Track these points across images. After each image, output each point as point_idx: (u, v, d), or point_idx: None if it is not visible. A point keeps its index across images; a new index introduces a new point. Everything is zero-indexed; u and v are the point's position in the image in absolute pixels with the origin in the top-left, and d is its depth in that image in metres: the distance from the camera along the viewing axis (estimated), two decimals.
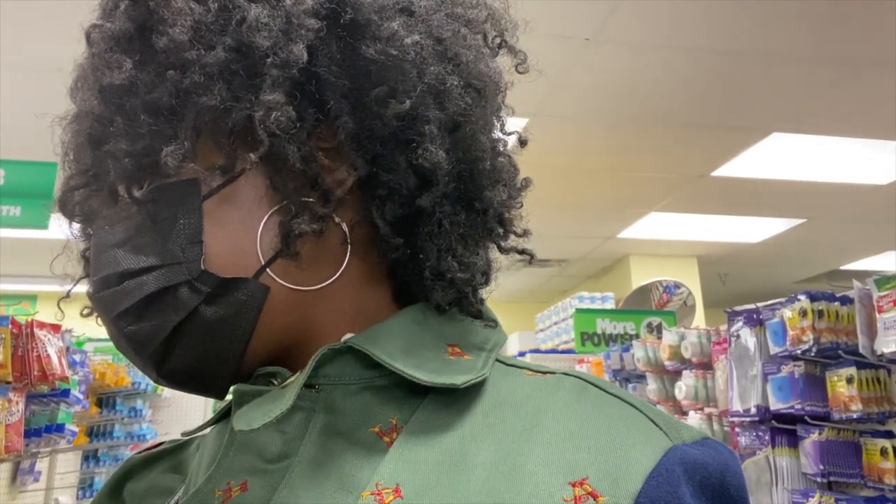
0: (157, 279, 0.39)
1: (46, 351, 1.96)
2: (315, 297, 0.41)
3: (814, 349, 1.86)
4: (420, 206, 0.41)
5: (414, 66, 0.40)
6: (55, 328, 2.08)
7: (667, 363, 2.53)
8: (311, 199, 0.40)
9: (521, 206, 0.48)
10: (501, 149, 0.47)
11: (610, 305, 4.33)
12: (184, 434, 0.50)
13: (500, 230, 0.46)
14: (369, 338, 0.40)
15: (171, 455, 0.50)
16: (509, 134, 0.48)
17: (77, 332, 2.51)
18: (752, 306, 2.15)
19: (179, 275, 0.39)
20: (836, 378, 1.89)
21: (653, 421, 0.35)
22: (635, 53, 2.78)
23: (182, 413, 4.13)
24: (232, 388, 0.42)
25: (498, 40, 0.48)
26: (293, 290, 0.40)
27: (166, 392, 3.95)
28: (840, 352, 1.81)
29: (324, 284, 0.42)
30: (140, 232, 0.40)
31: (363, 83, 0.39)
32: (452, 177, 0.42)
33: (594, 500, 0.31)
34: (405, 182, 0.41)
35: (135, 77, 0.39)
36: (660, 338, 3.65)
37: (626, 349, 2.93)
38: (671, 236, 5.26)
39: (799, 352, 1.90)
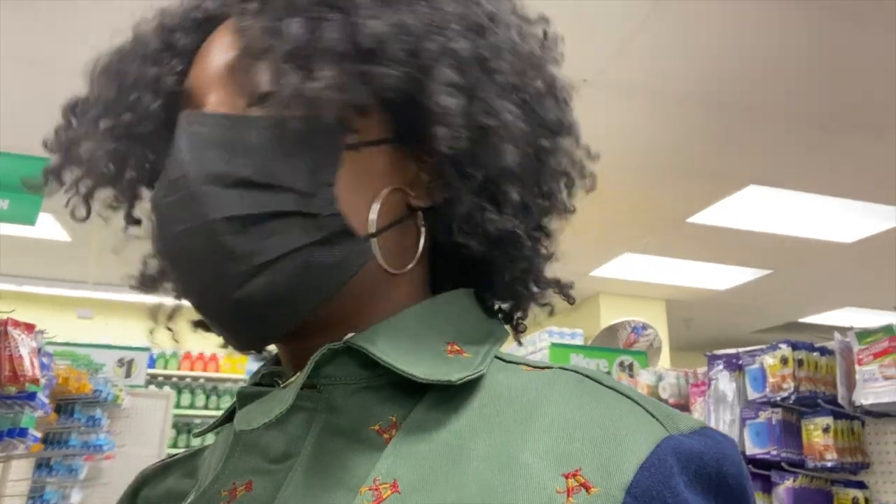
0: (285, 201, 0.38)
1: (19, 351, 1.89)
2: (388, 279, 0.43)
3: (793, 397, 1.91)
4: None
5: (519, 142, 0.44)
6: (29, 328, 2.01)
7: None
8: (434, 190, 0.43)
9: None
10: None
11: (579, 341, 4.37)
12: (195, 434, 0.57)
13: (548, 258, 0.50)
14: (368, 337, 0.40)
15: (185, 462, 0.50)
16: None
17: (50, 333, 2.42)
18: (732, 351, 2.20)
19: (307, 205, 0.39)
20: (812, 426, 1.94)
21: (649, 412, 0.35)
22: (622, 98, 2.86)
23: (140, 424, 3.99)
24: (237, 391, 0.43)
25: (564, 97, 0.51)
26: (378, 267, 0.42)
27: (126, 402, 3.82)
28: (820, 401, 1.86)
29: (406, 269, 0.43)
30: (275, 147, 0.39)
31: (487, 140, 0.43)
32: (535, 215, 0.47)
33: (586, 491, 0.32)
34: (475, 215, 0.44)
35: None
36: (632, 376, 3.69)
37: None
38: (642, 278, 5.36)
39: (779, 398, 1.94)
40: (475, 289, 0.47)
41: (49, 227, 4.35)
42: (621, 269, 5.18)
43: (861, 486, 1.87)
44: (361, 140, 0.41)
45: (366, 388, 0.40)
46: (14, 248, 4.77)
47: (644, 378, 2.58)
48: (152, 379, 5.85)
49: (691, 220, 4.11)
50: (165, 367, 6.10)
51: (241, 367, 6.26)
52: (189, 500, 0.41)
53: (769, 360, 1.98)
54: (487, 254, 0.45)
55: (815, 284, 5.39)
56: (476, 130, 0.41)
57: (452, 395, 0.38)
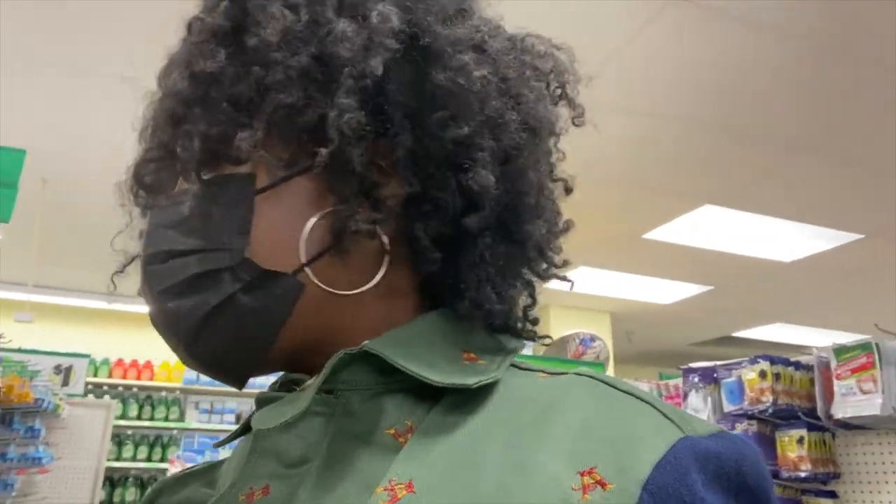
0: (201, 262, 0.42)
1: None
2: (346, 302, 0.44)
3: (770, 409, 1.99)
4: (465, 227, 0.43)
5: (477, 98, 0.43)
6: None
7: None
8: (362, 207, 0.43)
9: (560, 248, 0.52)
10: (546, 190, 0.50)
11: (530, 352, 4.43)
12: (215, 444, 0.53)
13: (539, 260, 0.50)
14: (385, 342, 0.41)
15: (204, 473, 0.51)
16: (556, 181, 0.52)
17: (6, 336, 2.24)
18: (708, 364, 2.27)
19: (223, 260, 0.42)
20: (787, 438, 2.02)
21: (665, 414, 0.36)
22: (587, 112, 2.93)
23: (78, 435, 3.74)
24: (255, 397, 0.44)
25: (559, 91, 0.52)
26: (326, 292, 0.43)
27: (65, 412, 3.57)
28: (800, 414, 1.95)
29: (357, 291, 0.44)
30: (194, 215, 0.43)
31: (427, 106, 0.43)
32: (498, 205, 0.44)
33: (602, 487, 0.32)
34: (452, 201, 0.43)
35: (224, 68, 0.42)
36: None
37: None
38: (590, 290, 5.49)
39: (757, 411, 2.02)
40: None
41: None
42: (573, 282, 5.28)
43: (832, 495, 1.97)
44: (271, 181, 0.42)
45: (381, 394, 0.41)
46: None
47: None
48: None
49: (646, 236, 4.25)
50: (96, 375, 5.73)
51: (177, 375, 5.96)
52: None
53: (749, 374, 2.05)
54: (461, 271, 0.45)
55: (752, 301, 5.67)
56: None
57: (468, 400, 0.39)
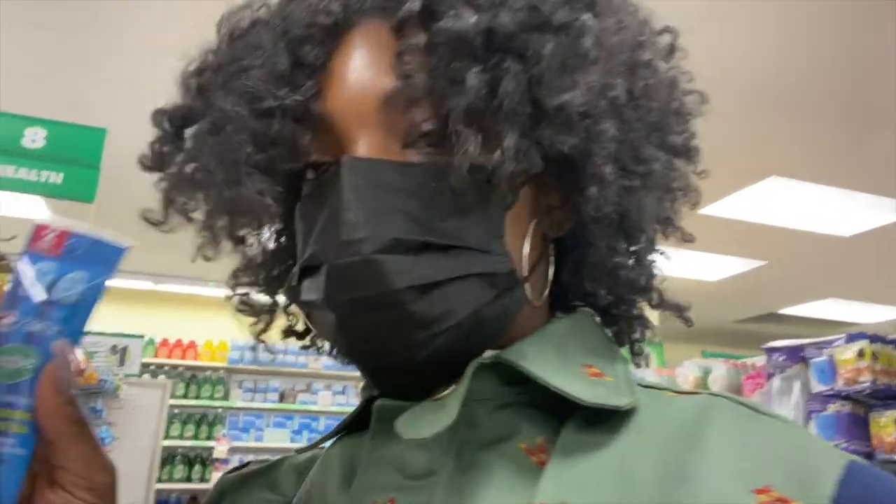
0: (465, 263, 0.39)
1: None
2: (526, 313, 0.43)
3: (868, 389, 1.91)
4: (596, 230, 0.44)
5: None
6: None
7: None
8: (565, 214, 0.44)
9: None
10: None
11: None
12: (297, 452, 0.50)
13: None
14: (518, 353, 0.40)
15: (263, 475, 0.50)
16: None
17: None
18: (794, 343, 2.19)
19: (484, 264, 0.39)
20: (882, 419, 1.94)
21: (814, 437, 0.36)
22: None
23: (136, 415, 3.79)
24: (376, 406, 0.42)
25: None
26: (527, 303, 0.42)
27: (123, 393, 3.61)
28: None
29: (542, 300, 0.44)
30: (450, 202, 0.39)
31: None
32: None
33: None
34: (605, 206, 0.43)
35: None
36: (646, 366, 3.67)
37: None
38: None
39: (853, 391, 1.94)
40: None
41: (36, 207, 4.06)
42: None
43: None
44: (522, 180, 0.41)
45: (507, 406, 0.40)
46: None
47: (689, 370, 2.56)
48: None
49: (703, 211, 4.13)
50: (142, 356, 5.81)
51: (221, 355, 6.02)
52: None
53: (844, 354, 1.97)
54: (604, 283, 0.46)
55: (806, 276, 5.52)
56: (624, 190, 0.42)
57: (603, 419, 0.38)
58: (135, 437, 3.79)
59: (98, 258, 0.39)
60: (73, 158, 1.85)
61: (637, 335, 0.50)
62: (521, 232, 0.42)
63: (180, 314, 6.08)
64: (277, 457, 0.53)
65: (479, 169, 0.38)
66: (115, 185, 3.62)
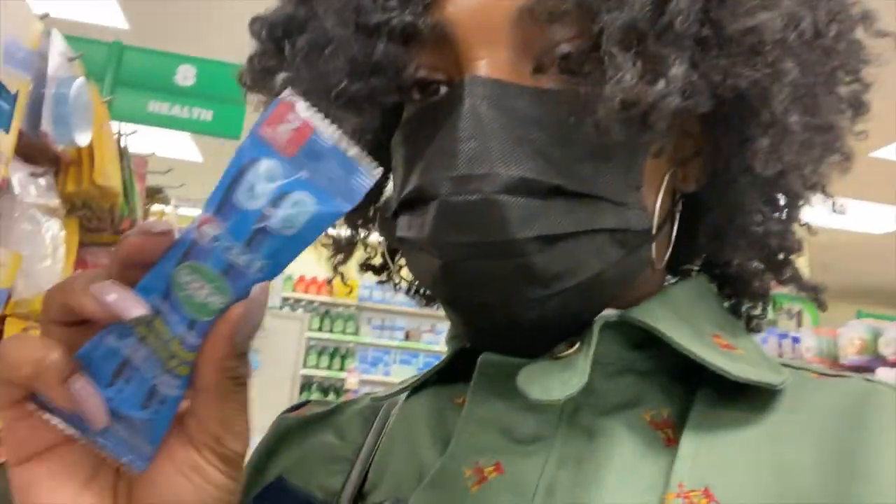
0: (599, 215, 0.34)
1: None
2: (645, 274, 0.39)
3: None
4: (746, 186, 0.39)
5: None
6: None
7: (851, 357, 2.30)
8: (695, 164, 0.40)
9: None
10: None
11: None
12: (373, 399, 0.48)
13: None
14: (648, 315, 0.36)
15: (326, 419, 0.48)
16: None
17: None
18: None
19: (619, 219, 0.35)
20: None
21: None
22: None
23: (277, 345, 4.08)
24: (480, 360, 0.38)
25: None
26: (648, 265, 0.38)
27: (267, 324, 3.87)
28: None
29: (664, 262, 0.40)
30: (588, 141, 0.34)
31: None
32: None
33: None
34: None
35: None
36: (799, 326, 3.37)
37: (784, 336, 2.69)
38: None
39: None
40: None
41: (185, 146, 4.37)
42: None
43: None
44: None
45: (628, 372, 0.37)
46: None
47: (853, 332, 2.30)
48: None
49: (876, 154, 3.65)
50: (282, 290, 6.23)
51: (352, 293, 6.30)
52: (429, 476, 0.37)
53: None
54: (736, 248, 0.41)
55: None
56: (796, 144, 0.36)
57: (738, 396, 0.35)
58: (277, 364, 4.09)
59: (337, 179, 0.29)
60: (222, 95, 1.91)
61: (758, 311, 0.44)
62: (655, 184, 0.37)
63: (316, 252, 6.40)
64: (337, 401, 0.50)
65: (634, 103, 0.32)
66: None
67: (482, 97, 0.33)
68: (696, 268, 0.45)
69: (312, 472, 0.44)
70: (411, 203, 0.36)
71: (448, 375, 0.43)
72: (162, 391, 0.29)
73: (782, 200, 0.41)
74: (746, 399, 0.35)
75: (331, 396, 5.89)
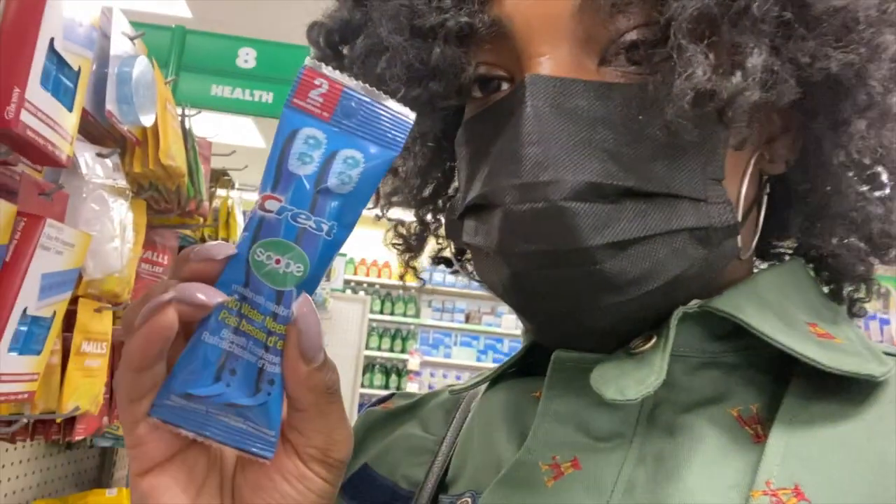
0: (676, 215, 0.32)
1: None
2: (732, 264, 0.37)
3: None
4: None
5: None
6: None
7: None
8: (782, 146, 0.38)
9: None
10: None
11: None
12: (451, 391, 0.48)
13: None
14: (731, 304, 0.34)
15: (410, 411, 0.49)
16: None
17: None
18: None
19: (699, 216, 0.33)
20: None
21: None
22: None
23: (341, 326, 4.14)
24: (553, 357, 0.36)
25: None
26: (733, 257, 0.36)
27: (330, 306, 3.93)
28: None
29: (751, 251, 0.38)
30: (660, 136, 0.32)
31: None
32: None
33: None
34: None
35: None
36: (886, 307, 3.16)
37: (871, 318, 2.51)
38: None
39: None
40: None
41: (248, 132, 4.45)
42: None
43: None
44: None
45: (710, 365, 0.35)
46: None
47: None
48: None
49: None
50: (343, 273, 6.31)
51: (412, 276, 6.33)
52: (504, 470, 0.36)
53: None
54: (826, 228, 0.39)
55: None
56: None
57: (833, 389, 0.32)
58: (341, 345, 4.17)
59: (377, 129, 0.30)
60: (282, 77, 1.90)
61: (861, 294, 0.42)
62: (739, 170, 0.35)
63: (376, 236, 6.46)
64: (422, 392, 0.51)
65: (708, 98, 0.30)
66: None
67: (544, 98, 0.32)
68: (789, 251, 0.43)
69: (397, 463, 0.45)
70: (477, 208, 0.35)
71: (525, 367, 0.42)
72: (268, 370, 0.30)
73: (885, 177, 0.38)
74: (845, 392, 0.33)
75: (393, 377, 5.99)
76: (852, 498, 0.29)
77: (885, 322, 2.56)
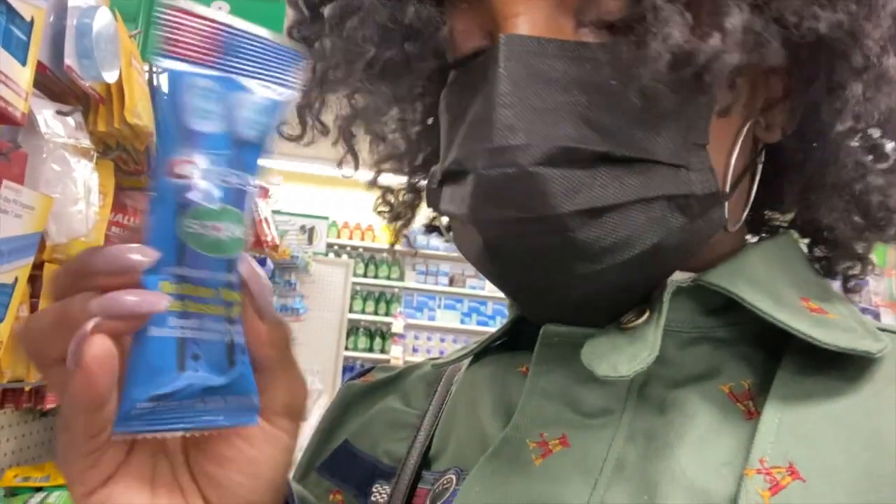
0: (653, 181, 0.31)
1: (260, 215, 1.79)
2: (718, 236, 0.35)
3: None
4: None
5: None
6: (263, 193, 1.91)
7: None
8: (780, 112, 0.36)
9: None
10: None
11: None
12: (434, 365, 0.47)
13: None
14: (724, 278, 0.33)
15: (391, 384, 0.48)
16: None
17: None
18: None
19: (678, 183, 0.31)
20: None
21: None
22: None
23: (323, 290, 4.13)
24: (542, 331, 0.36)
25: None
26: (719, 228, 0.35)
27: (313, 269, 3.91)
28: None
29: (740, 223, 0.37)
30: (635, 103, 0.30)
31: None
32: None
33: None
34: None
35: None
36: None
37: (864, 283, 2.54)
38: None
39: None
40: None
41: None
42: None
43: None
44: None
45: (703, 340, 0.34)
46: None
47: None
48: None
49: None
50: (327, 236, 6.25)
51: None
52: (492, 447, 0.35)
53: None
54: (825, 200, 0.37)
55: None
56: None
57: (827, 365, 0.32)
58: (324, 309, 4.16)
59: (267, 67, 0.28)
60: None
61: (856, 270, 0.41)
62: (728, 137, 0.34)
63: (359, 198, 6.40)
64: (405, 361, 0.51)
65: (686, 61, 0.28)
66: None
67: (518, 58, 0.31)
68: (783, 224, 0.42)
69: (378, 438, 0.44)
70: (453, 175, 0.35)
71: (510, 341, 0.41)
72: (238, 341, 0.29)
73: (889, 147, 0.37)
74: (839, 368, 0.32)
75: (377, 340, 6.01)
76: (847, 476, 0.28)
77: (863, 283, 2.59)
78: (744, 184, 0.37)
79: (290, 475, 0.35)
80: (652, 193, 0.31)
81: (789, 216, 0.42)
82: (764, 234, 0.42)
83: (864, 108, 0.33)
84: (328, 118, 0.43)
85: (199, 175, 0.26)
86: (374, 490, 0.41)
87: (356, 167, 0.46)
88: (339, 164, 0.44)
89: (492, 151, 0.31)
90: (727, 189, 0.34)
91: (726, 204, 0.34)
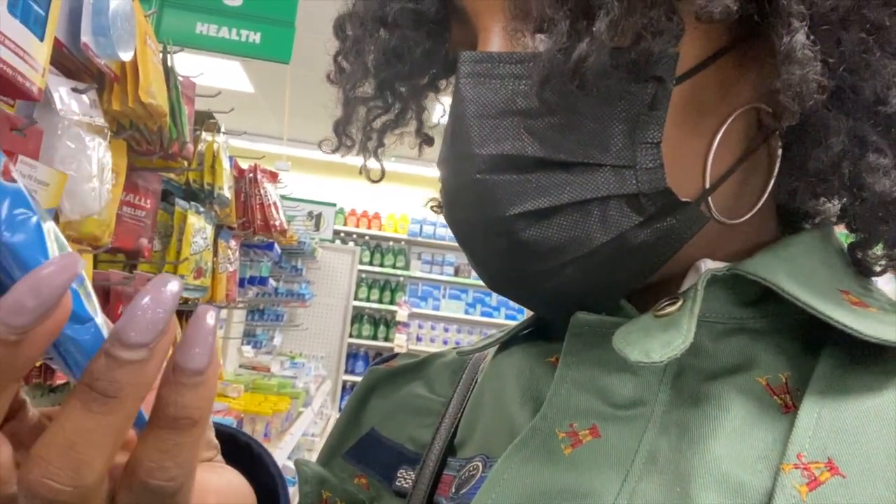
0: (596, 183, 0.31)
1: (269, 199, 1.79)
2: (728, 229, 0.35)
3: None
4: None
5: None
6: (272, 177, 1.91)
7: None
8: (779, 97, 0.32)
9: None
10: None
11: None
12: (459, 353, 0.47)
13: None
14: (762, 267, 0.33)
15: (415, 370, 0.48)
16: None
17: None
18: None
19: (624, 183, 0.31)
20: None
21: None
22: None
23: (329, 276, 4.13)
24: (572, 320, 0.36)
25: None
26: (717, 223, 0.34)
27: (319, 255, 3.91)
28: None
29: (749, 216, 0.35)
30: (570, 108, 0.31)
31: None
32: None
33: None
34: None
35: None
36: None
37: None
38: None
39: None
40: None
41: (236, 76, 4.33)
42: None
43: None
44: (696, 63, 0.32)
45: (738, 331, 0.34)
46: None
47: None
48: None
49: None
50: (334, 223, 6.25)
51: (402, 227, 6.29)
52: (520, 436, 0.35)
53: None
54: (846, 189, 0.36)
55: None
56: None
57: (869, 359, 0.31)
58: (329, 295, 4.17)
59: None
60: (270, 17, 1.82)
61: (883, 262, 0.39)
62: (706, 129, 0.33)
63: (366, 186, 6.38)
64: (426, 353, 0.50)
65: (619, 56, 0.29)
66: (309, 53, 3.76)
67: (467, 75, 0.33)
68: (820, 214, 0.41)
69: (403, 424, 0.44)
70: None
71: (537, 331, 0.42)
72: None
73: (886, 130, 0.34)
74: (881, 362, 0.31)
75: (381, 328, 6.02)
76: (890, 472, 0.27)
77: None
78: (755, 174, 0.36)
79: (315, 458, 0.35)
80: (594, 194, 0.32)
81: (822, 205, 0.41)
82: (807, 226, 0.41)
83: (812, 78, 0.30)
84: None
85: None
86: (398, 475, 0.41)
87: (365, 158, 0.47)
88: (337, 149, 0.45)
89: (446, 161, 0.35)
90: (706, 184, 0.34)
91: (709, 200, 0.34)
